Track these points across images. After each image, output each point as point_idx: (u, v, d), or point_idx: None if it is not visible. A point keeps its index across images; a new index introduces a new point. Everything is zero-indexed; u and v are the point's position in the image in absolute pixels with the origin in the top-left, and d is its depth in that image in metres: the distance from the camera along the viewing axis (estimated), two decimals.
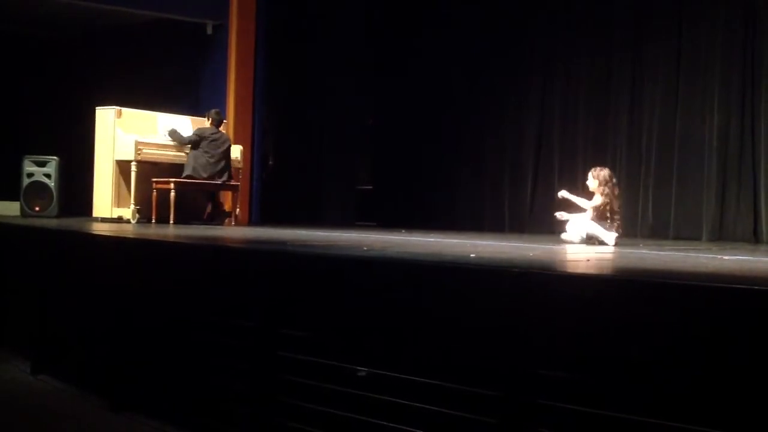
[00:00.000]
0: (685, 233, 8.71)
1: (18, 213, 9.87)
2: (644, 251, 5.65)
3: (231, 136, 10.29)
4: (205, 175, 9.09)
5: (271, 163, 11.65)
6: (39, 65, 12.63)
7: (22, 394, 5.46)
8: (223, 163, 9.22)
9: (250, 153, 10.74)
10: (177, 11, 10.86)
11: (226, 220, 9.46)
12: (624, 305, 2.83)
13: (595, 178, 6.80)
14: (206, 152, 9.11)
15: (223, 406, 4.29)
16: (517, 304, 3.10)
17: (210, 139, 9.16)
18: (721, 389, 2.55)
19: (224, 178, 9.26)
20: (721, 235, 8.47)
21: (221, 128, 9.44)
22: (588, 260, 4.60)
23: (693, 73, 8.86)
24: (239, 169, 9.85)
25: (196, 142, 9.14)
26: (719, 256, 5.10)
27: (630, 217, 9.28)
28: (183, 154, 9.31)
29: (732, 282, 2.98)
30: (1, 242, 7.15)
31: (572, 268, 3.86)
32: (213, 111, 9.50)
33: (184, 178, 9.02)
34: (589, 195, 6.86)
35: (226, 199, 10.07)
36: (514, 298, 3.12)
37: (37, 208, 9.83)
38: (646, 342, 2.73)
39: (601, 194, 6.73)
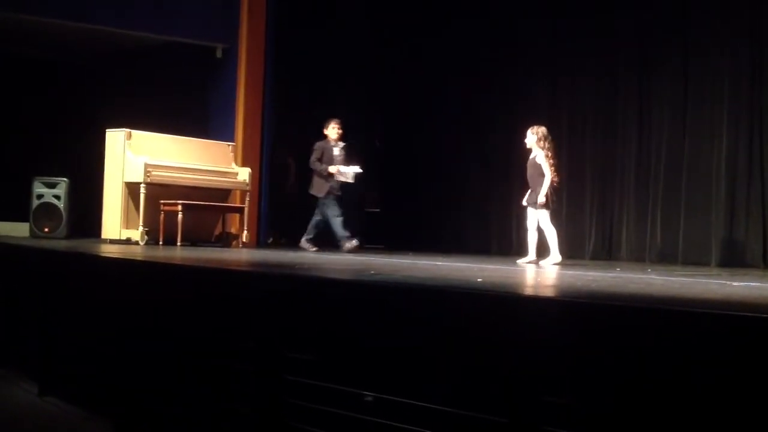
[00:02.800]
0: (694, 258, 8.67)
1: (27, 234, 9.90)
2: (653, 276, 5.63)
3: (239, 159, 10.34)
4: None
5: (292, 182, 11.69)
6: (49, 87, 12.71)
7: (29, 416, 5.46)
8: None
9: (258, 175, 10.77)
10: (187, 35, 10.92)
11: (234, 242, 9.47)
12: (632, 332, 2.81)
13: (534, 134, 7.20)
14: None
15: (229, 430, 4.27)
16: (524, 329, 3.09)
17: None
18: (730, 417, 2.53)
19: None
20: (731, 261, 8.42)
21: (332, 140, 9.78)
22: (595, 285, 4.58)
23: (700, 96, 8.87)
24: (247, 191, 9.89)
25: None
26: (728, 282, 5.08)
27: (638, 241, 9.27)
28: (193, 177, 9.35)
29: (741, 309, 2.97)
30: (9, 263, 7.17)
31: (581, 296, 3.84)
32: None
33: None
34: (527, 152, 7.27)
35: (234, 221, 10.09)
36: (522, 324, 3.11)
37: (46, 229, 9.86)
38: (655, 369, 2.71)
39: (542, 148, 7.12)
